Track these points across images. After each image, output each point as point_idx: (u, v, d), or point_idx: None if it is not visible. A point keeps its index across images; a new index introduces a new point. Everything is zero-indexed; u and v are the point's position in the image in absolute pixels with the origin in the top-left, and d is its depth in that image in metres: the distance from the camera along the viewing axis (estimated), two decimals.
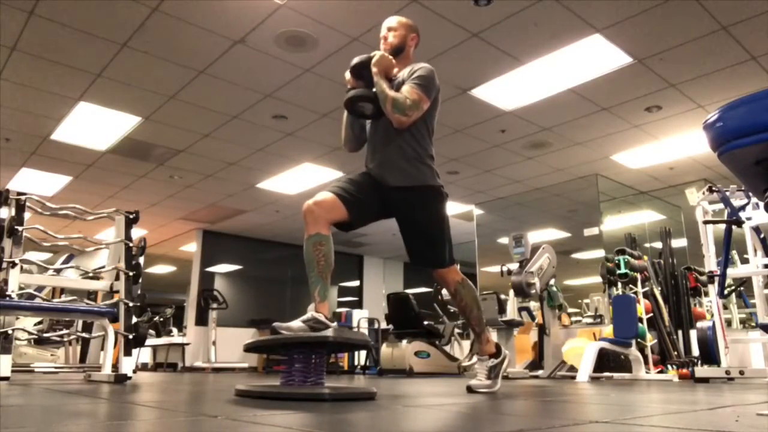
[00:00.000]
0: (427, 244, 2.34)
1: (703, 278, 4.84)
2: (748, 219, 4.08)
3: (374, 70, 2.29)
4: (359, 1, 3.62)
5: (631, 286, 5.38)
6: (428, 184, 2.32)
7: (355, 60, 2.37)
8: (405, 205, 2.32)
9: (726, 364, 4.05)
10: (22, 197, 3.75)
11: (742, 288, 5.14)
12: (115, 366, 3.50)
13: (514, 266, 5.39)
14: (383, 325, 7.66)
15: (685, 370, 4.66)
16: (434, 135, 2.44)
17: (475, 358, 2.58)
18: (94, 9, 3.67)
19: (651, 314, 5.40)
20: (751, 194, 3.95)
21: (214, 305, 8.95)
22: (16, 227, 3.58)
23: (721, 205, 4.29)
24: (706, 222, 4.38)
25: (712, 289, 4.22)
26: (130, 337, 3.58)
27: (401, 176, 2.29)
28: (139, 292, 3.96)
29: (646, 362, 4.97)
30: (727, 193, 4.09)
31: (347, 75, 2.40)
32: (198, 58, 4.29)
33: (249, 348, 2.17)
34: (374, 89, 2.29)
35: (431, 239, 2.33)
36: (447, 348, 7.02)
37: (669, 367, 5.21)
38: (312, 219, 2.13)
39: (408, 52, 2.51)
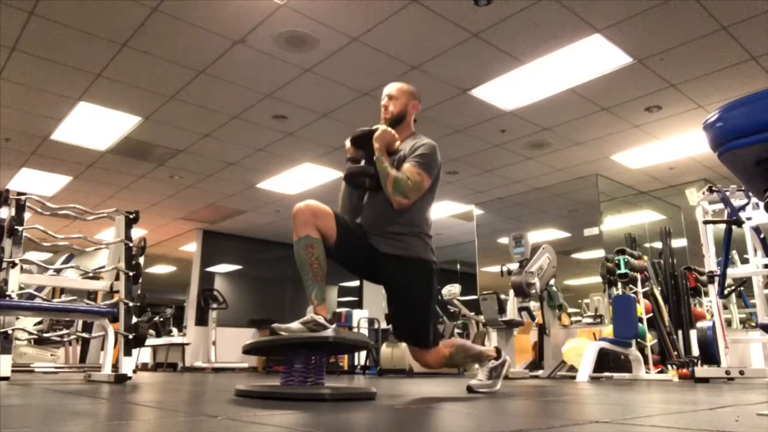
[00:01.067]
0: (411, 319, 2.26)
1: (703, 278, 4.85)
2: (748, 219, 4.08)
3: (376, 146, 2.24)
4: (359, 1, 3.62)
5: (631, 286, 5.38)
6: (420, 257, 2.26)
7: (357, 131, 2.32)
8: (393, 275, 2.25)
9: (726, 364, 4.05)
10: (22, 197, 3.75)
11: (742, 288, 5.15)
12: (115, 366, 3.50)
13: (514, 266, 5.39)
14: (383, 325, 7.66)
15: (685, 370, 4.66)
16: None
17: None
18: (94, 9, 3.67)
19: (651, 314, 5.40)
20: (751, 194, 3.95)
21: (214, 305, 8.95)
22: (16, 227, 3.58)
23: (721, 205, 4.28)
24: (706, 222, 4.38)
25: (712, 289, 4.22)
26: (130, 337, 3.58)
27: (393, 245, 2.24)
28: (139, 292, 3.96)
29: (646, 362, 4.97)
30: (727, 193, 4.09)
31: (347, 144, 2.37)
32: (198, 58, 4.29)
33: (248, 350, 2.17)
34: (374, 163, 2.24)
35: (415, 315, 2.25)
36: None
37: (669, 367, 5.21)
38: (301, 221, 2.09)
39: (409, 120, 2.44)
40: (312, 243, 2.08)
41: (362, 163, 2.34)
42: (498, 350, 2.53)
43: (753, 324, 5.41)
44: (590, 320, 6.17)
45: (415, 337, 2.28)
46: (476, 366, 2.55)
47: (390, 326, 2.36)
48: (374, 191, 2.32)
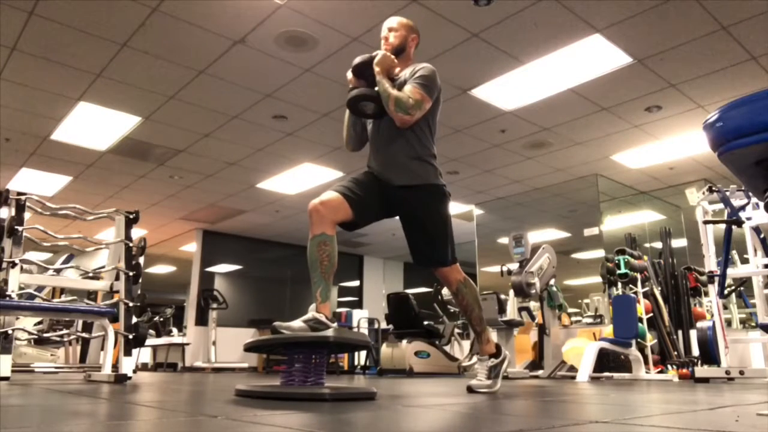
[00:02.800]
0: (430, 243, 2.35)
1: (703, 278, 4.84)
2: (748, 219, 4.08)
3: (376, 69, 2.31)
4: (359, 1, 3.62)
5: (631, 286, 5.38)
6: (432, 183, 2.34)
7: (357, 59, 2.37)
8: (409, 204, 2.33)
9: (726, 364, 4.05)
10: (22, 197, 3.75)
11: (742, 288, 5.15)
12: (115, 366, 3.50)
13: (514, 266, 5.39)
14: (383, 325, 7.66)
15: (685, 370, 4.66)
16: (435, 135, 2.45)
17: (475, 358, 2.59)
18: (94, 9, 3.67)
19: (651, 314, 5.40)
20: (751, 194, 3.95)
21: (214, 305, 8.95)
22: (16, 227, 3.58)
23: (721, 205, 4.28)
24: (706, 222, 4.38)
25: (712, 289, 4.22)
26: (130, 337, 3.58)
27: (405, 175, 2.31)
28: (139, 292, 3.96)
29: (646, 362, 4.97)
30: (727, 193, 4.09)
31: (349, 74, 2.41)
32: (198, 58, 4.29)
33: (249, 347, 2.17)
34: (376, 88, 2.29)
35: (434, 238, 2.34)
36: (447, 348, 7.02)
37: (669, 367, 5.21)
38: (318, 218, 2.14)
39: (409, 52, 2.52)
40: (325, 240, 2.13)
41: None
42: (498, 347, 2.53)
43: (753, 324, 5.41)
44: (590, 320, 6.17)
45: (438, 258, 2.37)
46: (476, 366, 2.54)
47: (413, 256, 2.40)
48: (378, 117, 2.37)
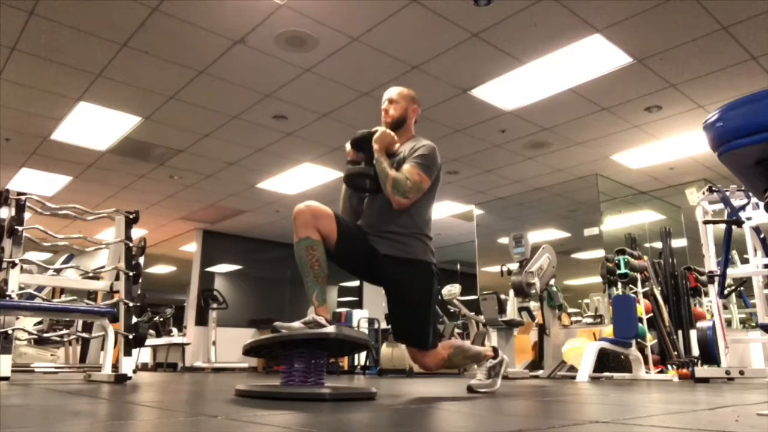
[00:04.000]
0: (409, 321, 2.26)
1: (703, 278, 4.84)
2: (748, 219, 4.08)
3: (375, 147, 2.24)
4: (359, 1, 3.62)
5: (631, 286, 5.38)
6: (420, 259, 2.26)
7: (357, 134, 2.33)
8: (392, 276, 2.25)
9: (726, 364, 4.05)
10: (22, 197, 3.75)
11: (742, 288, 5.15)
12: (115, 366, 3.50)
13: (514, 266, 5.39)
14: (383, 325, 7.66)
15: (685, 370, 4.66)
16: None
17: None
18: (94, 9, 3.67)
19: (651, 314, 5.40)
20: (751, 194, 3.95)
21: (214, 305, 8.95)
22: (16, 227, 3.58)
23: (721, 205, 4.29)
24: (706, 222, 4.38)
25: (712, 289, 4.22)
26: (130, 337, 3.58)
27: (392, 246, 2.24)
28: (139, 292, 3.96)
29: (646, 362, 4.97)
30: (727, 193, 4.09)
31: (347, 146, 2.37)
32: (198, 58, 4.29)
33: (249, 348, 2.17)
34: (374, 164, 2.25)
35: (414, 317, 2.25)
36: None
37: (669, 367, 5.21)
38: (302, 222, 2.09)
39: (409, 124, 2.45)
40: (312, 245, 2.08)
41: (362, 165, 2.34)
42: (495, 349, 2.54)
43: (753, 324, 5.42)
44: (590, 320, 6.17)
45: (414, 339, 2.27)
46: (475, 366, 2.55)
47: (390, 327, 2.35)
48: (374, 193, 2.32)
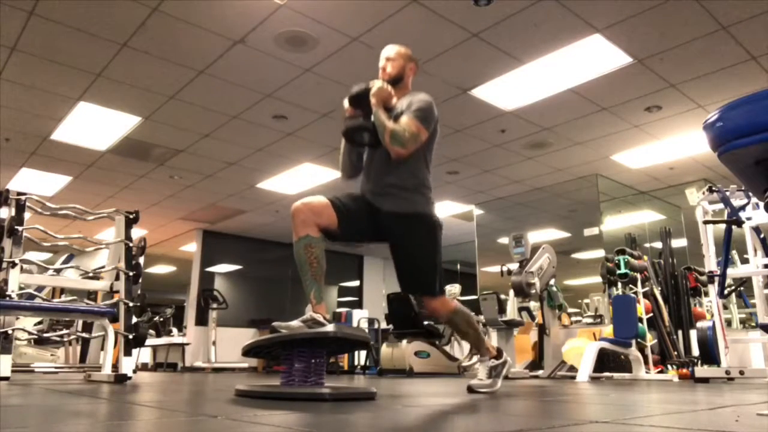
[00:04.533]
0: (418, 271, 2.31)
1: (703, 278, 4.85)
2: (748, 219, 4.08)
3: (372, 100, 2.27)
4: (359, 1, 3.62)
5: (631, 286, 5.38)
6: (423, 212, 2.30)
7: (354, 89, 2.35)
8: (399, 231, 2.29)
9: (726, 364, 4.04)
10: (22, 197, 3.75)
11: (742, 288, 5.14)
12: (115, 366, 3.50)
13: (514, 266, 5.39)
14: (383, 325, 7.66)
15: (685, 370, 4.66)
16: (431, 164, 2.43)
17: (475, 358, 2.59)
18: (94, 9, 3.67)
19: (651, 314, 5.39)
20: (751, 194, 3.95)
21: (214, 305, 8.95)
22: (16, 227, 3.58)
23: (721, 205, 4.28)
24: (706, 222, 4.38)
25: (712, 289, 4.22)
26: (130, 337, 3.58)
27: (396, 203, 2.27)
28: (139, 292, 3.96)
29: (646, 362, 4.97)
30: (727, 193, 4.09)
31: (345, 103, 2.39)
32: (198, 58, 4.29)
33: (248, 349, 2.17)
34: (372, 119, 2.27)
35: (422, 267, 2.30)
36: (447, 348, 7.01)
37: (669, 367, 5.20)
38: (300, 220, 2.12)
39: (406, 81, 2.48)
40: (311, 242, 2.10)
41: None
42: (499, 350, 2.53)
43: (753, 324, 5.41)
44: (590, 320, 6.17)
45: (424, 287, 2.34)
46: (476, 366, 2.54)
47: (398, 281, 2.38)
48: (373, 147, 2.35)
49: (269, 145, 5.96)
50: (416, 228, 2.29)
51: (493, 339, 5.54)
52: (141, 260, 4.03)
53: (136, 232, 4.32)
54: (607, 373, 5.03)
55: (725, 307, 5.06)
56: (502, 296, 5.69)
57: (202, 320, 9.04)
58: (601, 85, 4.65)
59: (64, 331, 4.93)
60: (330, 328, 1.97)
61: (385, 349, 6.99)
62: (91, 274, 4.17)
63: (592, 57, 4.23)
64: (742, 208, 3.99)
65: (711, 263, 4.32)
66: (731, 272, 4.34)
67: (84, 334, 4.41)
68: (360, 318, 8.15)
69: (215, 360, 8.52)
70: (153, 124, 5.40)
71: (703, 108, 5.01)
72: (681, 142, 5.76)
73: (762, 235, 4.16)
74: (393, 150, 2.22)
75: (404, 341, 6.86)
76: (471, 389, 2.42)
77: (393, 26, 3.85)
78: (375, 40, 4.04)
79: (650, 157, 6.20)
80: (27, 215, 3.75)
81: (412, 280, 2.35)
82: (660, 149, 5.98)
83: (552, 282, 5.51)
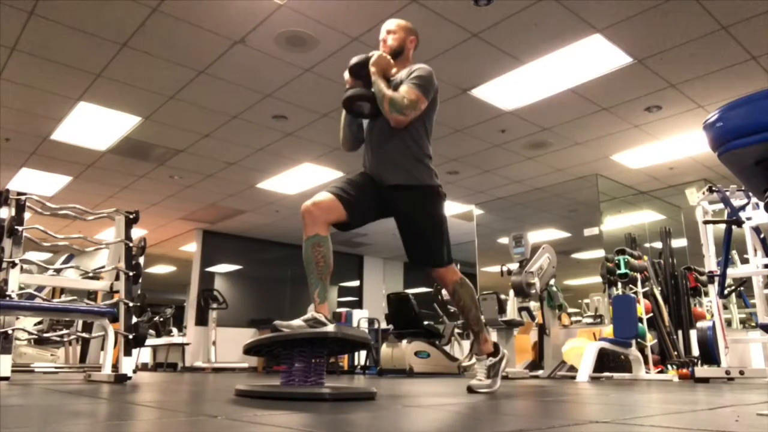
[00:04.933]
0: (426, 243, 2.34)
1: (703, 278, 4.84)
2: (748, 219, 4.08)
3: (372, 69, 2.30)
4: (359, 1, 3.62)
5: (631, 286, 5.37)
6: (426, 184, 2.32)
7: (354, 60, 2.37)
8: (403, 204, 2.31)
9: (726, 364, 4.04)
10: (22, 197, 3.75)
11: (742, 288, 5.14)
12: (115, 366, 3.50)
13: (514, 266, 5.39)
14: (383, 325, 7.66)
15: (685, 370, 4.65)
16: (434, 135, 2.45)
17: (474, 359, 2.58)
18: (95, 9, 3.67)
19: (651, 314, 5.39)
20: (751, 194, 3.95)
21: (214, 305, 8.95)
22: (16, 227, 3.58)
23: (721, 205, 4.28)
24: (706, 222, 4.38)
25: (712, 289, 4.22)
26: (130, 337, 3.58)
27: (399, 175, 2.29)
28: (139, 292, 3.96)
29: (646, 362, 4.97)
30: (727, 193, 4.09)
31: (346, 75, 2.41)
32: (198, 58, 4.29)
33: (249, 348, 2.17)
34: (372, 89, 2.29)
35: (429, 239, 2.33)
36: (447, 348, 7.02)
37: (669, 367, 5.20)
38: (310, 220, 2.13)
39: (407, 54, 2.52)
40: (320, 241, 2.12)
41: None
42: (496, 345, 2.53)
43: (753, 324, 5.41)
44: (590, 320, 6.17)
45: (432, 258, 2.35)
46: (476, 366, 2.54)
47: (408, 252, 2.39)
48: (374, 117, 2.36)
49: (269, 145, 5.96)
50: (420, 200, 2.31)
51: (493, 339, 5.54)
52: (141, 260, 4.02)
53: (136, 232, 4.32)
54: (607, 373, 5.03)
55: (725, 307, 5.06)
56: (502, 296, 5.69)
57: (202, 320, 9.04)
58: (601, 85, 4.65)
59: (64, 331, 4.93)
60: (331, 328, 1.97)
61: (385, 349, 6.99)
62: (91, 274, 4.17)
63: (592, 57, 4.23)
64: (742, 208, 3.99)
65: (711, 263, 4.32)
66: (731, 272, 4.34)
67: (84, 334, 4.41)
68: (360, 318, 8.15)
69: (215, 360, 8.52)
70: (153, 124, 5.40)
71: (703, 108, 5.01)
72: (681, 142, 5.76)
73: (762, 235, 4.15)
74: (392, 118, 2.24)
75: (404, 341, 6.86)
76: (471, 389, 2.42)
77: None
78: (375, 41, 4.02)
79: (650, 157, 6.20)
80: (27, 215, 3.75)
81: (420, 252, 2.36)
82: (660, 149, 5.98)
83: (552, 282, 5.51)
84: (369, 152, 2.41)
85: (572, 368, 5.13)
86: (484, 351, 2.49)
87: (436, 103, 2.42)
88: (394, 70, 2.39)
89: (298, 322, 2.02)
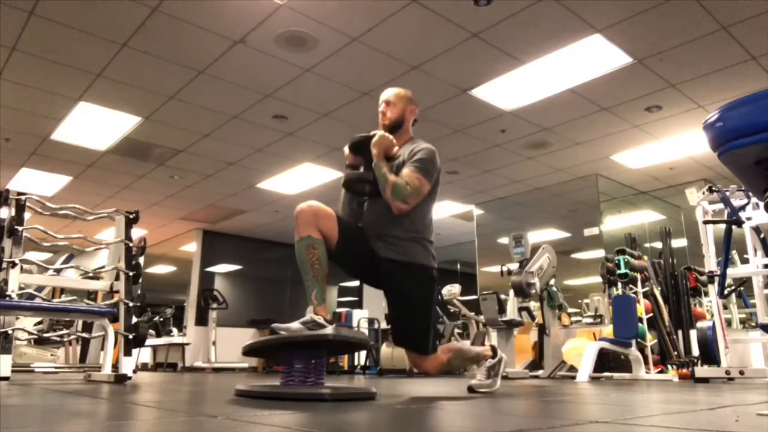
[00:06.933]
0: (410, 321, 2.25)
1: (703, 278, 4.84)
2: (748, 219, 4.08)
3: (374, 151, 2.23)
4: (359, 1, 3.62)
5: (631, 286, 5.38)
6: (420, 263, 2.25)
7: (355, 138, 2.32)
8: (393, 279, 2.24)
9: (726, 364, 4.05)
10: (22, 197, 3.75)
11: (742, 288, 5.14)
12: (115, 366, 3.50)
13: (514, 266, 5.39)
14: (383, 325, 7.66)
15: (685, 370, 4.66)
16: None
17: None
18: (94, 9, 3.67)
19: (651, 314, 5.40)
20: (751, 194, 3.95)
21: (214, 305, 8.95)
22: (16, 227, 3.58)
23: (721, 205, 4.28)
24: (706, 222, 4.38)
25: (712, 289, 4.22)
26: (130, 337, 3.58)
27: (393, 250, 2.23)
28: (139, 292, 3.96)
29: (646, 362, 4.97)
30: (727, 193, 4.09)
31: (346, 151, 2.36)
32: (198, 58, 4.29)
33: (248, 350, 2.16)
34: (373, 169, 2.24)
35: (414, 320, 2.24)
36: None
37: (669, 367, 5.21)
38: (303, 221, 2.08)
39: (407, 125, 2.43)
40: (313, 243, 2.08)
41: (361, 169, 2.33)
42: (494, 348, 2.53)
43: (753, 324, 5.41)
44: (590, 320, 6.17)
45: (413, 344, 2.26)
46: (475, 366, 2.55)
47: (389, 328, 2.34)
48: (374, 197, 2.31)
49: (269, 145, 5.96)
50: (412, 278, 2.23)
51: (493, 339, 5.54)
52: (141, 260, 4.03)
53: (136, 232, 4.32)
54: (607, 373, 5.03)
55: (725, 307, 5.06)
56: (502, 296, 5.69)
57: (202, 320, 9.04)
58: (601, 85, 4.65)
59: (64, 331, 4.93)
60: (328, 331, 1.96)
61: (385, 349, 6.99)
62: (91, 274, 4.17)
63: (592, 57, 4.23)
64: (742, 208, 3.99)
65: (711, 263, 4.32)
66: (731, 272, 4.34)
67: (84, 334, 4.41)
68: (360, 318, 8.15)
69: (215, 360, 8.52)
70: (153, 124, 5.40)
71: (703, 108, 5.01)
72: (681, 142, 5.76)
73: (762, 235, 4.15)
74: (395, 205, 2.18)
75: None
76: (471, 389, 2.43)
77: (393, 26, 3.85)
78: (375, 40, 4.04)
79: (650, 157, 6.20)
80: (27, 215, 3.75)
81: (403, 333, 2.28)
82: (660, 149, 5.98)
83: (552, 282, 5.51)
84: (366, 224, 2.33)
85: (572, 368, 5.14)
86: (484, 356, 2.50)
87: (439, 183, 2.34)
88: (396, 149, 2.32)
89: (296, 324, 2.01)
